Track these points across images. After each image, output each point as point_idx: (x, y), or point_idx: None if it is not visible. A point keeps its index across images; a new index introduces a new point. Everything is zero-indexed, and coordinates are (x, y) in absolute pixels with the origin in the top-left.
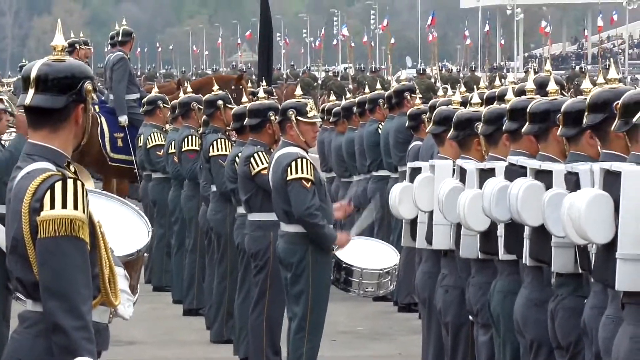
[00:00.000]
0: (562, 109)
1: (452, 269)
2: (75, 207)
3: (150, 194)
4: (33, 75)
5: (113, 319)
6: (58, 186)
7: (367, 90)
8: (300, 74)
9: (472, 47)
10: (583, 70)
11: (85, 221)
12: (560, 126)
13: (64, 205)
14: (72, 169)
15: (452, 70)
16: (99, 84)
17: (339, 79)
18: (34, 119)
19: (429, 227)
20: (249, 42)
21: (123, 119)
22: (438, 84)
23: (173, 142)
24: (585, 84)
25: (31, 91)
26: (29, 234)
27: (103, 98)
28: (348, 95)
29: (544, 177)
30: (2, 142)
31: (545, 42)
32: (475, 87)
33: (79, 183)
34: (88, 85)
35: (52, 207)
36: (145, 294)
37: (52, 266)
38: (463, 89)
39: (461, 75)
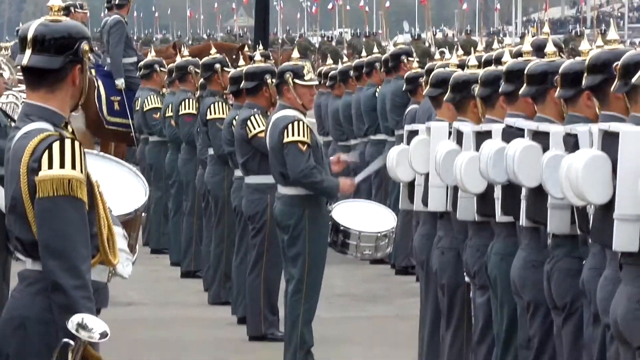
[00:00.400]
0: (560, 70)
1: (448, 231)
2: (73, 167)
3: (148, 157)
4: (30, 35)
5: (112, 278)
6: (56, 146)
7: (363, 54)
8: (297, 39)
9: (469, 12)
10: (579, 34)
11: (83, 181)
12: (558, 88)
13: (62, 165)
14: (70, 129)
15: (447, 34)
16: (96, 47)
17: (333, 43)
18: (31, 79)
19: (425, 189)
20: (245, 7)
21: (120, 83)
22: (433, 48)
23: (170, 106)
24: (584, 46)
25: (28, 52)
26: (27, 194)
27: (100, 62)
28: (345, 60)
29: (541, 138)
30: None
31: (542, 6)
32: (472, 50)
33: (76, 143)
34: (85, 46)
35: (50, 167)
36: (144, 256)
37: (51, 226)
38: (460, 52)
39: (456, 39)
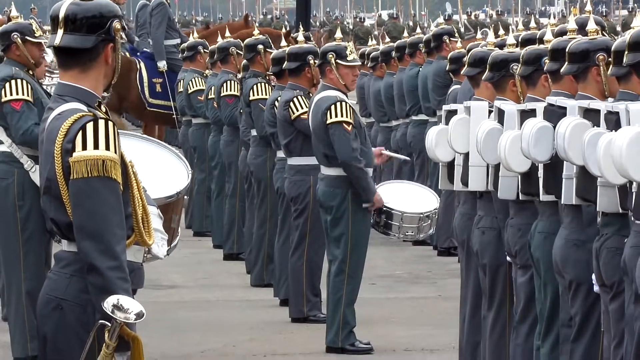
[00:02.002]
0: (613, 48)
1: (489, 211)
2: (107, 148)
3: (191, 139)
4: (61, 15)
5: (148, 259)
6: (90, 127)
7: (405, 35)
8: (332, 20)
9: None
10: (631, 10)
11: (117, 161)
12: (612, 66)
13: (96, 146)
14: (103, 109)
15: (477, 16)
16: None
17: (367, 24)
18: (64, 59)
19: (465, 169)
20: None
21: (162, 65)
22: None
23: (212, 88)
24: (636, 22)
25: (60, 31)
26: (62, 175)
27: (134, 45)
28: (372, 42)
29: (592, 115)
30: (44, 87)
31: None
32: (510, 30)
33: (110, 123)
34: (116, 24)
35: (85, 147)
36: (186, 239)
37: (85, 207)
38: (502, 32)
39: (488, 20)
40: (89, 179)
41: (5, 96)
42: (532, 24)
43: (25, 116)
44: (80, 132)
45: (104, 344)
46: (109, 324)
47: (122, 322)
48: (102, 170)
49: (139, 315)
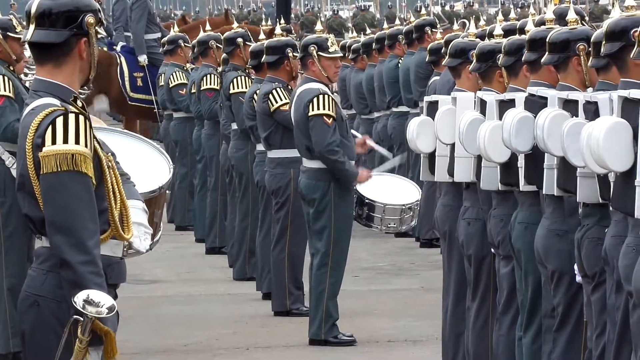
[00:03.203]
0: (592, 39)
1: (474, 202)
2: (77, 142)
3: (172, 134)
4: (33, 10)
5: (130, 254)
6: (59, 121)
7: (386, 26)
8: (305, 13)
9: None
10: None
11: (87, 155)
12: (591, 57)
13: (65, 140)
14: (79, 104)
15: (453, 7)
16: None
17: (343, 17)
18: (38, 54)
19: (451, 160)
20: None
21: (142, 59)
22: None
23: (195, 82)
24: (613, 12)
25: (32, 27)
26: (34, 170)
27: (112, 40)
28: (350, 34)
29: (570, 106)
30: (23, 81)
31: None
32: (471, 21)
33: (81, 117)
34: (89, 19)
35: (54, 142)
36: (168, 233)
37: (56, 201)
38: (482, 22)
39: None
40: (58, 173)
41: None
42: (512, 15)
43: (7, 112)
44: (50, 127)
45: (77, 339)
46: (82, 319)
47: (93, 317)
48: (72, 165)
49: (111, 309)
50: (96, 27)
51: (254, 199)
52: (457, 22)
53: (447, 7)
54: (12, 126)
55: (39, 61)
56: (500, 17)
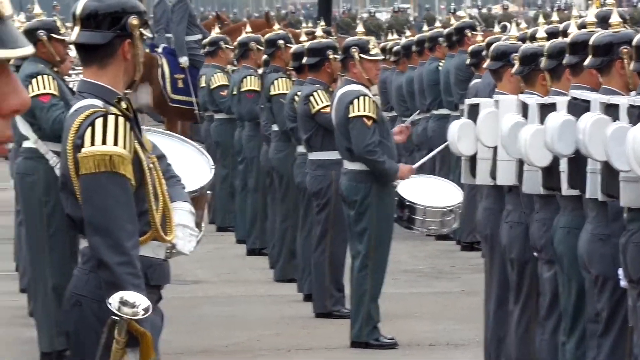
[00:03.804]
0: (634, 43)
1: (517, 205)
2: (116, 143)
3: (214, 135)
4: (78, 11)
5: (173, 254)
6: (99, 122)
7: (425, 28)
8: (341, 15)
9: None
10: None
11: (126, 157)
12: (633, 61)
13: (104, 142)
14: (124, 105)
15: (490, 9)
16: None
17: (382, 19)
18: (83, 56)
19: (494, 163)
20: None
21: (183, 60)
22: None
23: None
24: None
25: (76, 28)
26: (74, 171)
27: (154, 41)
28: (391, 36)
29: (611, 111)
30: (69, 84)
31: None
32: (513, 24)
33: (120, 119)
34: (133, 20)
35: (93, 143)
36: (209, 234)
37: (94, 202)
38: (523, 25)
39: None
40: (96, 174)
41: (33, 91)
42: (555, 17)
43: (53, 107)
44: (89, 128)
45: (114, 340)
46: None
47: (128, 319)
48: (110, 166)
49: (147, 310)
50: (141, 29)
51: (295, 200)
52: (498, 25)
53: (484, 10)
54: (60, 119)
55: (85, 62)
56: (541, 19)
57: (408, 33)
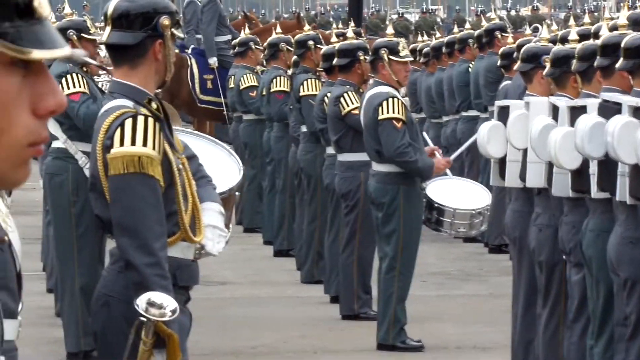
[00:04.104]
0: None
1: (546, 208)
2: (145, 144)
3: (242, 136)
4: (109, 12)
5: (202, 255)
6: (128, 123)
7: (456, 30)
8: (369, 16)
9: None
10: None
11: (155, 158)
12: None
13: (133, 142)
14: (154, 105)
15: (519, 10)
16: None
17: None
18: (114, 56)
19: (523, 165)
20: None
21: (213, 61)
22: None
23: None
24: None
25: (108, 28)
26: (103, 172)
27: (184, 42)
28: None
29: None
30: (99, 84)
31: None
32: (544, 26)
33: (150, 120)
34: (165, 20)
35: (122, 144)
36: (237, 235)
37: (122, 203)
38: (555, 27)
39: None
40: (125, 175)
41: (63, 91)
42: (586, 19)
43: (85, 104)
44: (118, 129)
45: (141, 341)
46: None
47: (156, 320)
48: (139, 167)
49: (174, 312)
50: (173, 29)
51: (323, 201)
52: (528, 27)
53: (512, 12)
54: (92, 115)
55: (116, 63)
56: (572, 21)
57: (438, 34)
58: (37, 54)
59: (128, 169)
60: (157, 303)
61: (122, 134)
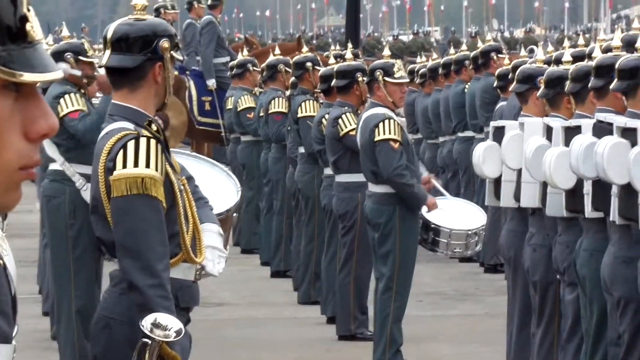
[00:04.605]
0: None
1: (540, 228)
2: (148, 165)
3: (240, 157)
4: (109, 35)
5: (202, 276)
6: (130, 145)
7: (452, 52)
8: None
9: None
10: None
11: (158, 179)
12: None
13: (136, 164)
14: (154, 127)
15: (513, 32)
16: None
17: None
18: (113, 79)
19: (518, 185)
20: (336, 6)
21: (211, 83)
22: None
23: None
24: None
25: (107, 52)
26: (105, 194)
27: (183, 64)
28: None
29: (630, 134)
30: (95, 104)
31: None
32: (540, 47)
33: (152, 141)
34: (164, 43)
35: (125, 165)
36: (234, 257)
37: (125, 225)
38: (550, 48)
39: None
40: (128, 196)
41: (62, 110)
42: (581, 41)
43: (84, 120)
44: (121, 151)
45: None
46: (150, 343)
47: (160, 341)
48: (142, 188)
49: (179, 333)
50: (172, 52)
51: (320, 222)
52: (524, 48)
53: (506, 34)
54: (93, 127)
55: (115, 85)
56: (567, 42)
57: (435, 55)
58: (28, 77)
59: (131, 191)
60: (162, 324)
61: (125, 155)
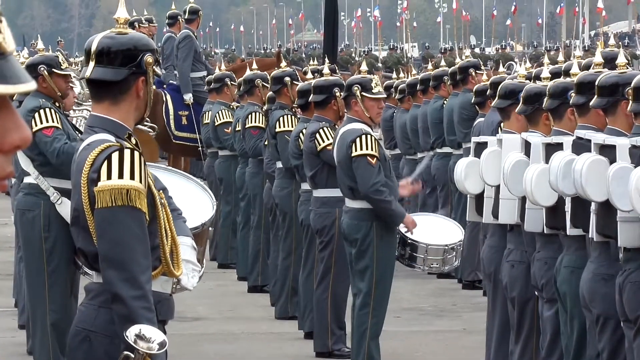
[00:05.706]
0: (633, 84)
1: (518, 244)
2: (132, 177)
3: (217, 171)
4: (94, 48)
5: (177, 290)
6: (115, 156)
7: (430, 67)
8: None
9: (539, 26)
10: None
11: (142, 191)
12: (631, 101)
13: (121, 176)
14: (133, 141)
15: (484, 49)
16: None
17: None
18: (96, 91)
19: (496, 202)
20: (313, 21)
21: (188, 97)
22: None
23: (240, 120)
24: None
25: (91, 64)
26: (88, 205)
27: (161, 78)
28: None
29: (608, 151)
30: (71, 118)
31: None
32: (522, 63)
33: (136, 153)
34: (148, 58)
35: (109, 177)
36: (211, 271)
37: (109, 236)
38: (528, 64)
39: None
40: (112, 208)
41: (36, 125)
42: (560, 57)
43: (57, 139)
44: (105, 162)
45: None
46: (133, 355)
47: (144, 353)
48: (126, 200)
49: (162, 345)
50: (153, 67)
51: (297, 237)
52: (502, 65)
53: (477, 50)
54: (64, 149)
55: (97, 98)
56: (546, 59)
57: (414, 71)
58: (0, 88)
59: (116, 202)
60: (146, 336)
61: (110, 167)
